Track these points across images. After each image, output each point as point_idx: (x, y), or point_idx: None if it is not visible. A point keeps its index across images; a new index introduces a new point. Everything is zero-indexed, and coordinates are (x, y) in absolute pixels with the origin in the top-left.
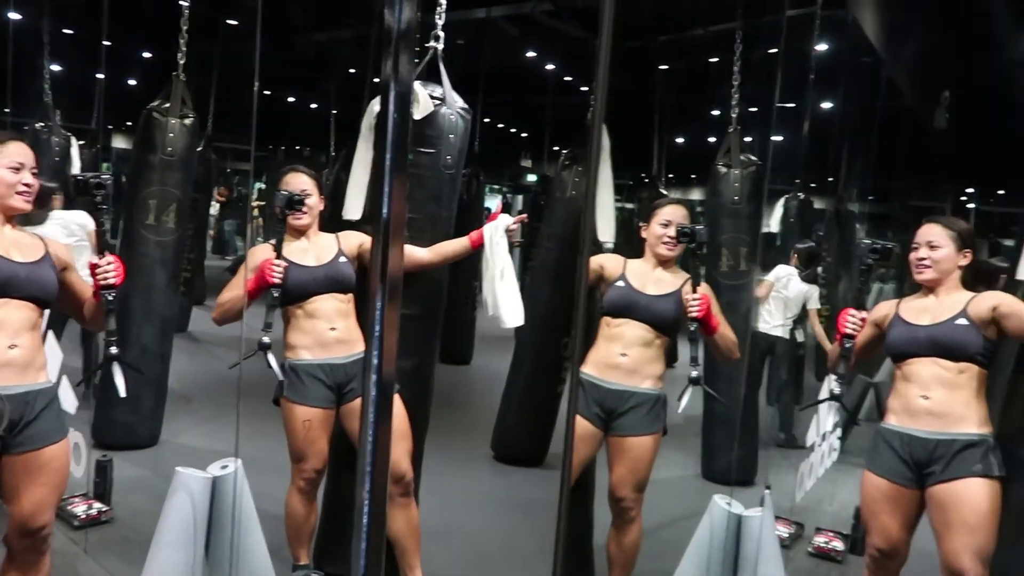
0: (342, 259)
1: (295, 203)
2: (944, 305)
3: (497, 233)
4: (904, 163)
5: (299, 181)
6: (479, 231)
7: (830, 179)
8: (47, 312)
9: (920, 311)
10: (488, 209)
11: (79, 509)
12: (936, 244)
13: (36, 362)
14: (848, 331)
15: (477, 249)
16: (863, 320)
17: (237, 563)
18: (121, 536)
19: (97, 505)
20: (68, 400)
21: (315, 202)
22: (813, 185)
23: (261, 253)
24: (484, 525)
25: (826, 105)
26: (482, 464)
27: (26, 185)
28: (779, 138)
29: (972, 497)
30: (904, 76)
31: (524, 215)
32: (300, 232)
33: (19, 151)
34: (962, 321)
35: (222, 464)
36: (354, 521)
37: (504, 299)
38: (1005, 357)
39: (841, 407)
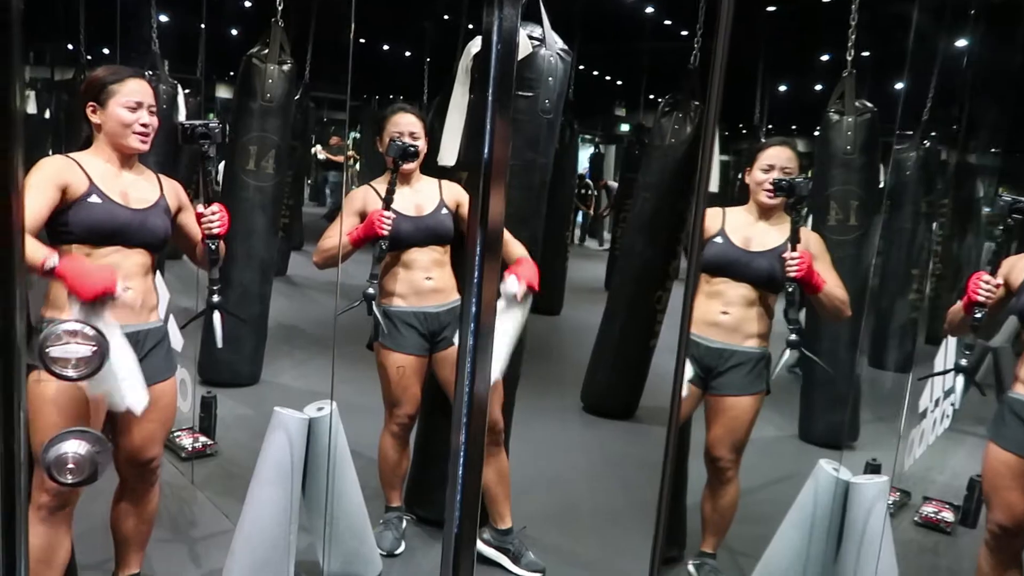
0: (444, 211)
1: (409, 153)
2: None
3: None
4: None
5: (408, 122)
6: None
7: (954, 127)
8: (158, 255)
9: None
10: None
11: (186, 442)
12: None
13: (148, 303)
14: (980, 298)
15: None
16: (998, 287)
17: (332, 502)
18: (225, 469)
19: (203, 439)
20: (175, 338)
21: (423, 145)
22: (933, 135)
23: (362, 197)
24: (573, 476)
25: (958, 43)
26: (572, 415)
27: (143, 125)
28: (900, 86)
29: None
30: None
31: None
32: (405, 177)
33: (138, 88)
34: None
35: (318, 406)
36: (449, 470)
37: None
38: None
39: (967, 379)
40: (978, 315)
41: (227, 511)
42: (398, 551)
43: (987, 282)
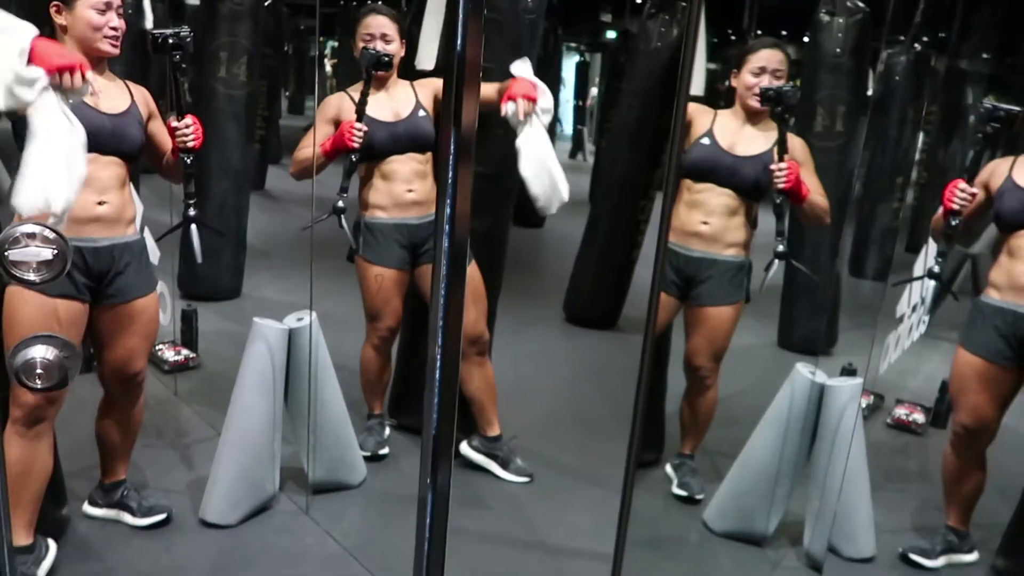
0: (421, 112)
1: (383, 63)
2: None
3: (518, 128)
4: None
5: (379, 23)
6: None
7: (941, 34)
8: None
9: None
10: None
11: (168, 355)
12: None
13: (124, 216)
14: (955, 206)
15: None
16: (973, 195)
17: (315, 410)
18: (207, 381)
19: (184, 351)
20: (152, 252)
21: (396, 48)
22: (925, 40)
23: (336, 104)
24: (556, 385)
25: None
26: (554, 325)
27: (113, 28)
28: None
29: None
30: None
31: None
32: (381, 82)
33: None
34: None
35: (298, 316)
36: (426, 376)
37: (541, 193)
38: None
39: (939, 285)
40: (953, 223)
41: (211, 421)
42: (382, 452)
43: (963, 190)
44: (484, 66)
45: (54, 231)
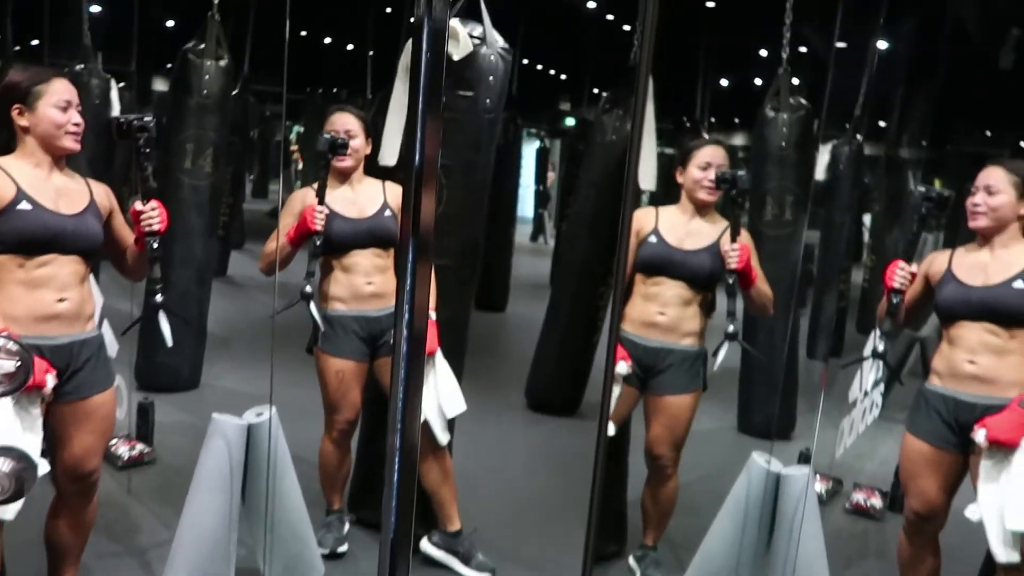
0: (387, 213)
1: (338, 146)
2: (1001, 263)
3: None
4: (964, 107)
5: (344, 121)
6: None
7: (881, 124)
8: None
9: (974, 269)
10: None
11: (122, 450)
12: (995, 189)
13: (84, 313)
14: (896, 285)
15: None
16: (913, 274)
17: (273, 508)
18: (163, 477)
19: (140, 446)
20: (110, 344)
21: (360, 144)
22: (863, 132)
23: (301, 198)
24: (518, 474)
25: (882, 45)
26: (516, 413)
27: (75, 125)
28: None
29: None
30: (971, 13)
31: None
32: (344, 176)
33: (64, 88)
34: (1019, 284)
35: (257, 411)
36: (385, 472)
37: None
38: None
39: (885, 365)
40: (895, 301)
41: (166, 520)
42: (341, 550)
43: (902, 269)
44: (443, 163)
45: (17, 343)
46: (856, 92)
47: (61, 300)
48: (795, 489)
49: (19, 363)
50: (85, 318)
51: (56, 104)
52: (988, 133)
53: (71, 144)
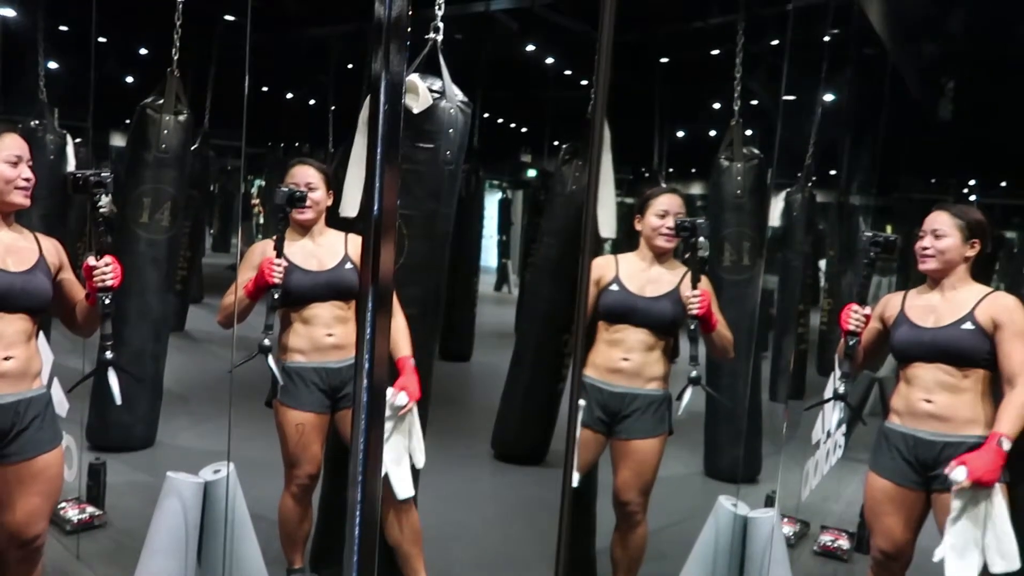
0: (348, 265)
1: (296, 199)
2: (951, 304)
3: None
4: (909, 155)
5: (305, 174)
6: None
7: (832, 172)
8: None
9: (926, 310)
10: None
11: (71, 514)
12: (941, 233)
13: (31, 371)
14: (851, 327)
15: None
16: (867, 317)
17: (231, 569)
18: (115, 541)
19: (90, 509)
20: (59, 402)
21: (321, 197)
22: (815, 179)
23: (260, 251)
24: (484, 525)
25: (828, 97)
26: (482, 462)
27: (26, 180)
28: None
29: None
30: (909, 67)
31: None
32: (305, 229)
33: (15, 143)
34: (968, 326)
35: (214, 468)
36: (346, 529)
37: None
38: None
39: (846, 406)
40: (851, 343)
41: None
42: None
43: (856, 311)
44: (405, 213)
45: None
46: (806, 142)
47: (7, 358)
48: (763, 532)
49: None
50: (32, 376)
51: (6, 159)
52: (932, 180)
53: (20, 199)
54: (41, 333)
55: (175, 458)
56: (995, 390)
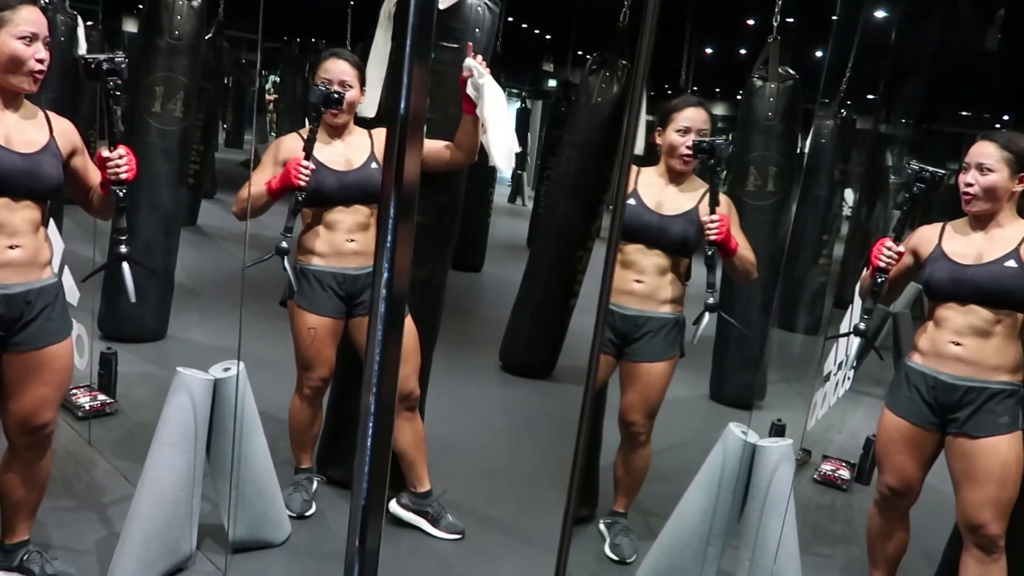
0: (374, 165)
1: (333, 100)
2: (994, 241)
3: (479, 78)
4: (950, 86)
5: (339, 69)
6: (464, 100)
7: (870, 96)
8: (49, 204)
9: (966, 247)
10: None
11: (83, 400)
12: (988, 167)
13: (39, 259)
14: (882, 264)
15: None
16: (900, 254)
17: (239, 466)
18: (126, 429)
19: (101, 397)
20: (70, 291)
21: (355, 95)
22: (849, 104)
23: (288, 147)
24: (490, 435)
25: (878, 14)
26: (490, 374)
27: (39, 61)
28: (819, 54)
29: (998, 450)
30: None
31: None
32: (334, 129)
33: (33, 17)
34: (1011, 264)
35: (224, 366)
36: (358, 434)
37: (496, 141)
38: None
39: (864, 341)
40: (880, 280)
41: (127, 474)
42: (308, 513)
43: (889, 248)
44: (427, 116)
45: None
46: (844, 65)
47: (13, 247)
48: (770, 461)
49: None
50: (40, 265)
51: (19, 34)
52: (972, 114)
53: (28, 85)
54: (52, 221)
55: (185, 352)
56: (1018, 334)
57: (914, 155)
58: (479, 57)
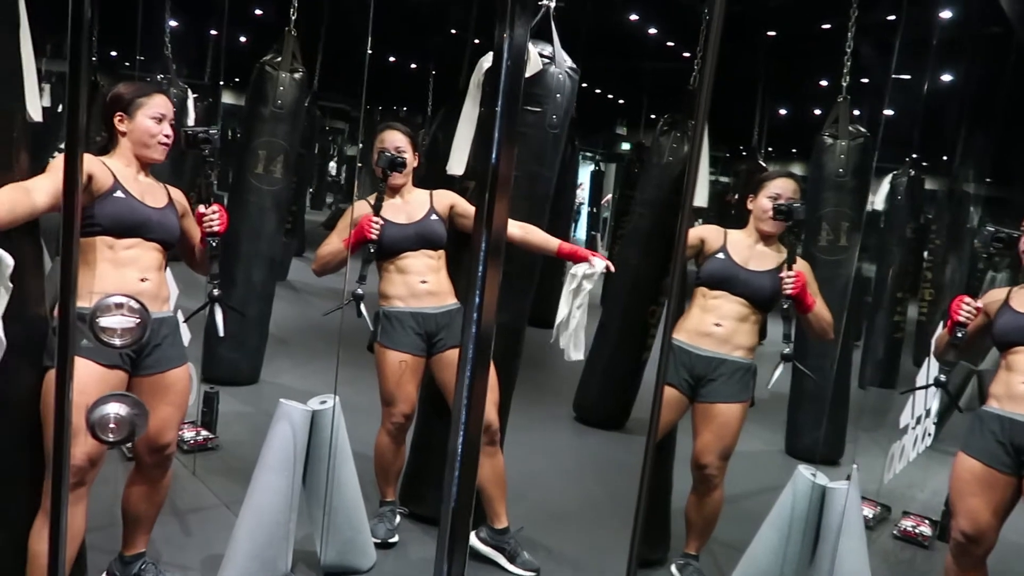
0: (433, 217)
1: (397, 164)
2: None
3: (587, 279)
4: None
5: (394, 138)
6: (571, 247)
7: (944, 157)
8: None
9: None
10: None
11: (188, 435)
12: None
13: (161, 295)
14: (961, 319)
15: (559, 255)
16: (978, 309)
17: (331, 492)
18: (225, 463)
19: (204, 432)
20: (184, 332)
21: (409, 159)
22: (925, 164)
23: (360, 209)
24: (564, 482)
25: (946, 78)
26: (564, 424)
27: (166, 136)
28: (890, 112)
29: None
30: None
31: (610, 265)
32: (395, 190)
33: (163, 103)
34: None
35: (321, 399)
36: (446, 472)
37: (574, 335)
38: None
39: (944, 393)
40: (959, 335)
41: (227, 501)
42: (392, 540)
43: (968, 304)
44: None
45: (138, 302)
46: (915, 124)
47: (144, 280)
48: (840, 503)
49: (138, 320)
50: (163, 299)
51: (152, 116)
52: None
53: (158, 155)
54: (168, 269)
55: (278, 395)
56: None
57: (996, 214)
58: (603, 263)
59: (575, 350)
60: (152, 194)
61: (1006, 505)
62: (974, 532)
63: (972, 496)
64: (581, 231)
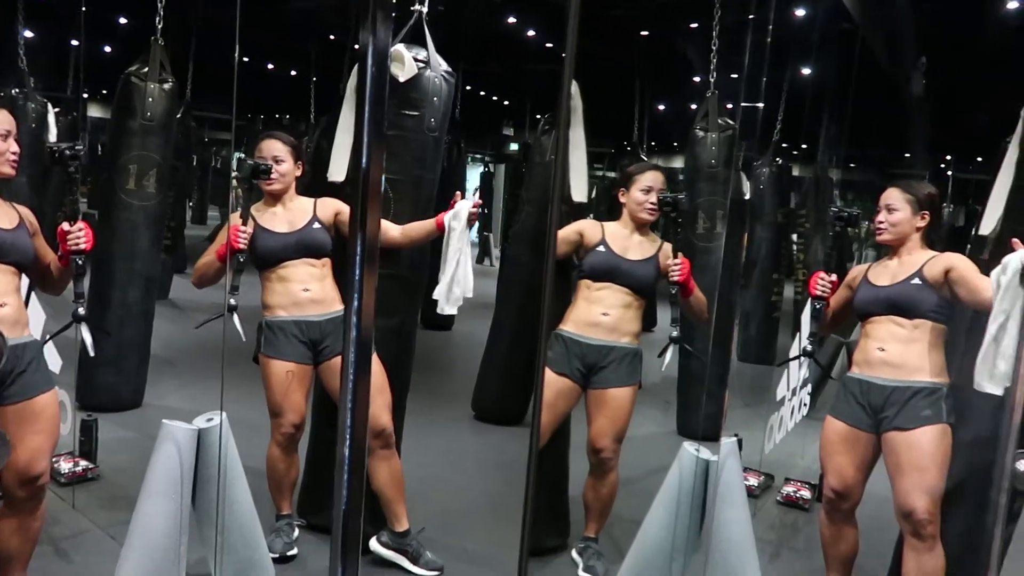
0: (316, 225)
1: (260, 172)
2: (904, 266)
3: (455, 220)
4: (881, 131)
5: (271, 147)
6: (442, 215)
7: (803, 146)
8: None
9: (883, 273)
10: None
11: (65, 466)
12: (893, 207)
13: (21, 320)
14: (818, 292)
15: (442, 232)
16: (833, 283)
17: (223, 513)
18: (107, 493)
19: (83, 463)
20: (53, 359)
21: (288, 168)
22: (795, 153)
23: (234, 218)
24: (465, 480)
25: (804, 71)
26: (463, 423)
27: (13, 153)
28: (759, 105)
29: (922, 440)
30: (881, 42)
31: (479, 200)
32: (275, 198)
33: (5, 118)
34: (916, 281)
35: (207, 417)
36: (335, 479)
37: (450, 286)
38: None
39: (813, 362)
40: (818, 306)
41: (112, 533)
42: (290, 553)
43: (823, 278)
44: (392, 178)
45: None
46: (775, 117)
47: (1, 305)
48: (721, 464)
49: None
50: (23, 324)
51: None
52: (906, 155)
53: (7, 170)
54: (33, 294)
55: (163, 417)
56: (942, 342)
57: (857, 196)
58: (467, 202)
59: (448, 303)
60: (2, 215)
61: (869, 461)
62: (842, 488)
63: (839, 455)
64: (473, 232)
